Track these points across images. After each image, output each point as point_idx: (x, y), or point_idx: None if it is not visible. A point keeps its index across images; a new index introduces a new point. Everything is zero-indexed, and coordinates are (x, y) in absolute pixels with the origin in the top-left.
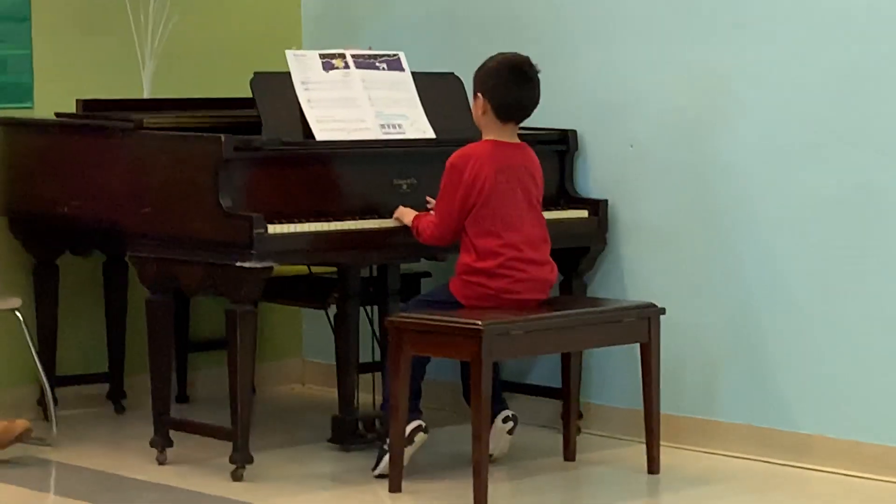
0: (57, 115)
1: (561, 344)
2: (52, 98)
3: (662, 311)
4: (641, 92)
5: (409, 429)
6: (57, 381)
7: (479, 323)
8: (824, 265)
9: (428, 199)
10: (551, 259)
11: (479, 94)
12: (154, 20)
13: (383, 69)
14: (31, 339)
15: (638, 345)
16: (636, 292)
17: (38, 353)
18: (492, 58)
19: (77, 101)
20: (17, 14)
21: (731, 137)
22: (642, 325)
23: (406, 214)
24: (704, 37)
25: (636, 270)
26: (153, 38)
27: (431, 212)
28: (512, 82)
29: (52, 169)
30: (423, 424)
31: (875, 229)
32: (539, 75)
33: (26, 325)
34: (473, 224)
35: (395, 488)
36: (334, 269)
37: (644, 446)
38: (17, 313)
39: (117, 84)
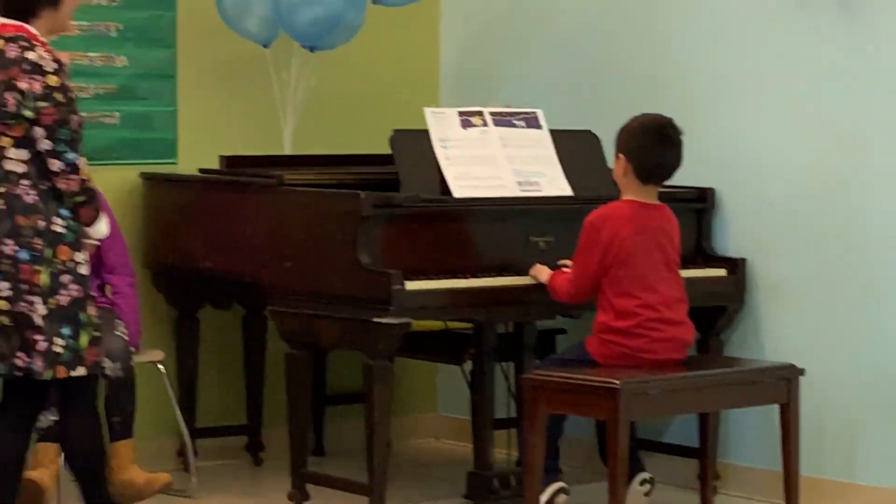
0: (200, 170)
1: (698, 404)
2: (195, 154)
3: (802, 371)
4: (779, 150)
5: (550, 490)
6: (197, 433)
7: (616, 381)
8: None
9: (562, 262)
10: (688, 319)
11: (622, 155)
12: (296, 77)
13: (521, 127)
14: (172, 391)
15: (777, 405)
16: (775, 352)
17: (178, 404)
18: (635, 118)
19: (220, 157)
20: (164, 72)
21: (870, 195)
22: (781, 385)
23: (542, 272)
24: (844, 95)
25: (775, 330)
26: (295, 94)
27: (567, 269)
28: (654, 144)
29: (195, 224)
30: (565, 486)
31: None
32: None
33: (168, 378)
34: (611, 284)
35: None
36: (470, 324)
37: None
38: (160, 366)
39: (259, 140)
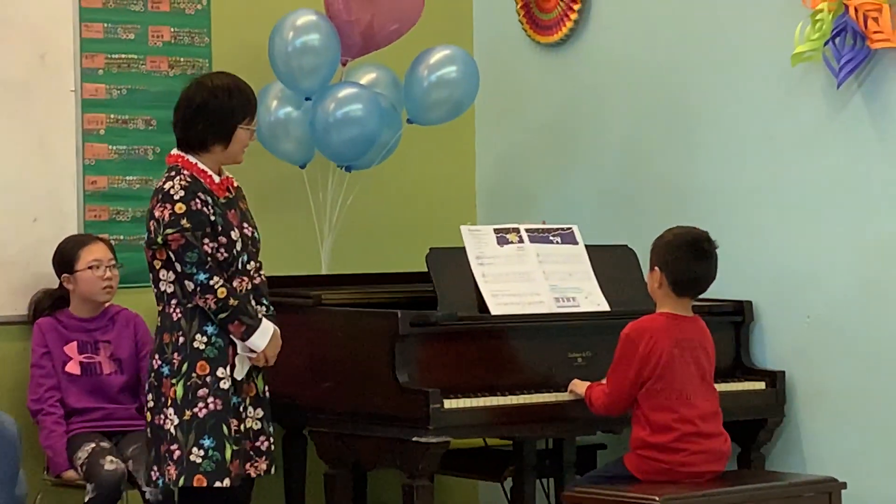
0: None
1: None
2: None
3: (843, 485)
4: (816, 262)
5: None
6: None
7: (657, 498)
8: None
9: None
10: (724, 430)
11: (656, 268)
12: (332, 197)
13: (557, 242)
14: None
15: None
16: (816, 466)
17: None
18: (669, 230)
19: None
20: None
21: None
22: (823, 500)
23: (579, 386)
24: (881, 204)
25: (816, 443)
26: (331, 214)
27: (603, 382)
28: (689, 258)
29: None
30: None
31: None
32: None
33: None
34: (647, 398)
35: None
36: (510, 441)
37: None
38: None
39: (296, 260)
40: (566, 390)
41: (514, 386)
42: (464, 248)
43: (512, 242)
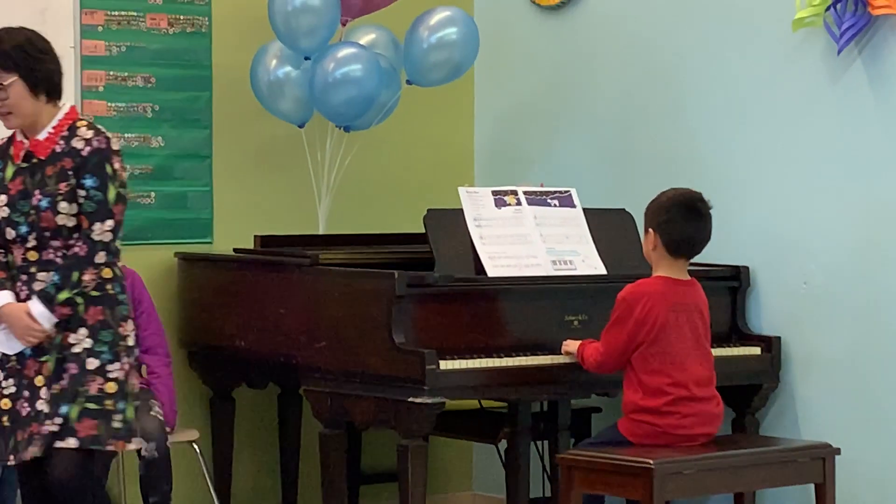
0: (235, 250)
1: (733, 484)
2: (230, 234)
3: (837, 451)
4: (815, 228)
5: None
6: None
7: (651, 461)
8: None
9: None
10: (717, 392)
11: (651, 230)
12: (331, 157)
13: (555, 206)
14: (207, 470)
15: (812, 485)
16: (810, 431)
17: (213, 484)
18: (663, 193)
19: (255, 236)
20: (200, 152)
21: None
22: (817, 465)
23: (571, 345)
24: (879, 172)
25: (810, 409)
26: (329, 174)
27: (597, 340)
28: (683, 218)
29: (230, 303)
30: None
31: None
32: (710, 211)
33: (203, 457)
34: (641, 361)
35: None
36: (505, 403)
37: None
38: (195, 445)
39: (294, 220)
40: (561, 353)
41: (510, 348)
42: (461, 210)
43: (510, 205)
